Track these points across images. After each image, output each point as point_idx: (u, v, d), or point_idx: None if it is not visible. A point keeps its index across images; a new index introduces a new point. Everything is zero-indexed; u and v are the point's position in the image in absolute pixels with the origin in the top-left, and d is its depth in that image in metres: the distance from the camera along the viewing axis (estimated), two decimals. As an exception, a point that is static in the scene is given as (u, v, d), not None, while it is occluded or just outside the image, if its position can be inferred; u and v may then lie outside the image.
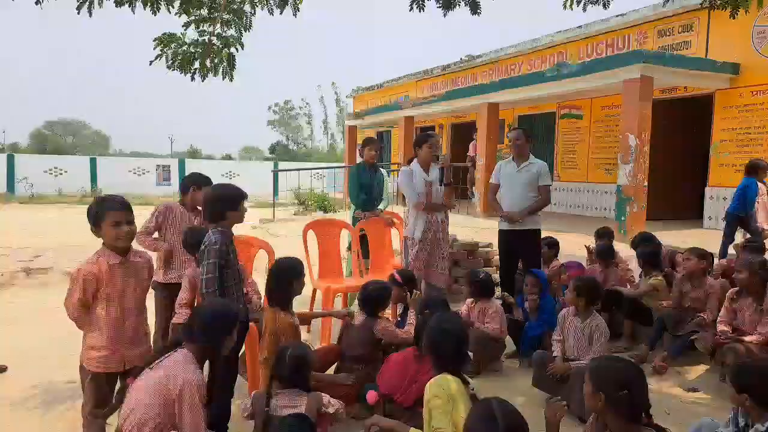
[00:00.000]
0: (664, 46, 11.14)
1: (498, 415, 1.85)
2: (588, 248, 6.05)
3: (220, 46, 5.26)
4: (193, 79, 5.27)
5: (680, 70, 9.39)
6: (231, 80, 5.42)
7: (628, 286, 5.08)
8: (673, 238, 8.48)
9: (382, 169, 6.14)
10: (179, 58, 5.17)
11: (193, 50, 5.16)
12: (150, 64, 5.24)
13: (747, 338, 3.74)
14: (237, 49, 5.33)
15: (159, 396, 2.23)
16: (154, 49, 5.16)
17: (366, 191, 5.87)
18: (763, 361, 2.92)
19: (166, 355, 2.39)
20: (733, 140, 9.95)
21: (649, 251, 4.98)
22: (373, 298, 3.73)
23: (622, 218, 9.17)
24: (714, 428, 2.63)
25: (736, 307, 3.95)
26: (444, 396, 2.33)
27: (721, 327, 3.96)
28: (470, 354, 3.63)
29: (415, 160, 4.86)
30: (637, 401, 2.08)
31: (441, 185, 4.74)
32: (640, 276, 5.08)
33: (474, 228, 9.52)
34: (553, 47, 13.97)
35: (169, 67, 5.17)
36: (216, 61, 5.24)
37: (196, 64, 5.23)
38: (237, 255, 3.12)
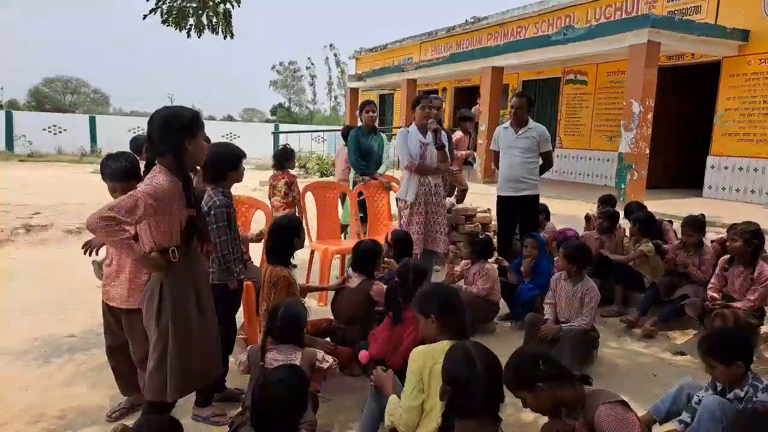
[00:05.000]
0: (674, 11, 10.89)
1: (475, 355, 1.92)
2: (587, 216, 6.07)
3: (217, 1, 5.09)
4: (189, 35, 5.12)
5: (688, 36, 9.20)
6: (232, 37, 5.28)
7: (623, 254, 5.12)
8: (673, 206, 8.51)
9: (382, 133, 6.10)
10: (174, 12, 4.99)
11: (187, 5, 4.98)
12: (144, 18, 5.04)
13: (735, 304, 3.81)
14: (233, 4, 5.16)
15: None
16: (147, 0, 4.96)
17: (365, 155, 5.85)
18: (729, 330, 2.88)
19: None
20: (738, 109, 9.84)
21: (644, 217, 5.01)
22: (365, 256, 3.78)
23: (622, 186, 9.17)
24: (694, 387, 2.70)
25: (727, 275, 4.00)
26: (428, 367, 2.27)
27: (711, 293, 4.02)
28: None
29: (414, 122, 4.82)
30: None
31: (445, 147, 4.71)
32: (634, 243, 5.11)
33: (474, 193, 9.49)
34: (561, 10, 13.66)
35: (163, 23, 5.00)
36: (212, 17, 5.08)
37: (191, 20, 5.06)
38: (236, 215, 3.16)
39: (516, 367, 2.13)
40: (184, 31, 5.13)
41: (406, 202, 4.69)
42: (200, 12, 5.05)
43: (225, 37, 5.30)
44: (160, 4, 4.95)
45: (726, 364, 2.46)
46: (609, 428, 1.96)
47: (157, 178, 2.30)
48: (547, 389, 2.07)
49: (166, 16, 5.00)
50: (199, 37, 5.16)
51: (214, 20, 5.15)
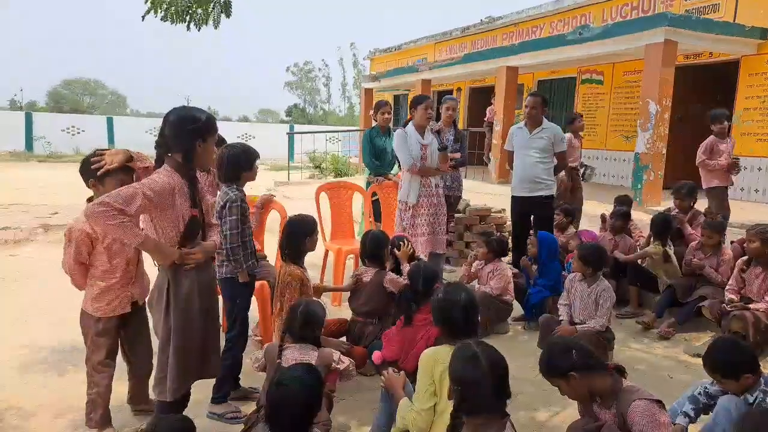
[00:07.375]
0: (691, 9, 10.75)
1: (480, 354, 1.93)
2: (603, 217, 6.01)
3: None
4: (188, 28, 5.05)
5: (706, 35, 9.08)
6: (216, 27, 5.16)
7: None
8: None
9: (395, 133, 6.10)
10: (172, 9, 4.92)
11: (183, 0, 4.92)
12: (143, 20, 4.99)
13: (754, 306, 3.75)
14: None
15: None
16: (145, 2, 4.89)
17: (379, 155, 5.86)
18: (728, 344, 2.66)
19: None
20: (757, 108, 9.69)
21: (660, 220, 4.93)
22: (374, 245, 3.81)
23: (639, 186, 9.08)
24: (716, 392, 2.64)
25: (746, 276, 3.95)
26: (438, 370, 2.27)
27: (729, 295, 3.96)
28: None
29: (411, 122, 4.74)
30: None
31: (447, 149, 4.69)
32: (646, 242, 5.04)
33: (488, 194, 9.49)
34: (576, 9, 13.56)
35: (162, 19, 4.95)
36: (208, 9, 5.01)
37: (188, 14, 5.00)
38: (249, 212, 3.22)
39: (549, 356, 2.21)
40: (183, 25, 5.06)
41: (407, 204, 4.65)
42: (200, 5, 5.00)
43: (216, 27, 5.20)
44: (156, 1, 4.90)
45: (735, 379, 2.42)
46: (641, 423, 1.98)
47: (160, 174, 2.34)
48: (580, 378, 2.12)
49: (164, 13, 4.95)
50: (198, 30, 5.11)
51: (211, 10, 5.07)
